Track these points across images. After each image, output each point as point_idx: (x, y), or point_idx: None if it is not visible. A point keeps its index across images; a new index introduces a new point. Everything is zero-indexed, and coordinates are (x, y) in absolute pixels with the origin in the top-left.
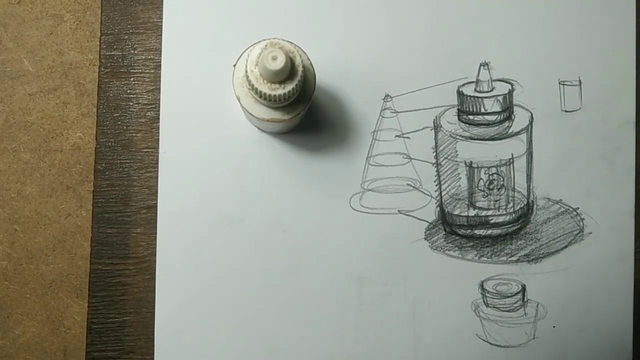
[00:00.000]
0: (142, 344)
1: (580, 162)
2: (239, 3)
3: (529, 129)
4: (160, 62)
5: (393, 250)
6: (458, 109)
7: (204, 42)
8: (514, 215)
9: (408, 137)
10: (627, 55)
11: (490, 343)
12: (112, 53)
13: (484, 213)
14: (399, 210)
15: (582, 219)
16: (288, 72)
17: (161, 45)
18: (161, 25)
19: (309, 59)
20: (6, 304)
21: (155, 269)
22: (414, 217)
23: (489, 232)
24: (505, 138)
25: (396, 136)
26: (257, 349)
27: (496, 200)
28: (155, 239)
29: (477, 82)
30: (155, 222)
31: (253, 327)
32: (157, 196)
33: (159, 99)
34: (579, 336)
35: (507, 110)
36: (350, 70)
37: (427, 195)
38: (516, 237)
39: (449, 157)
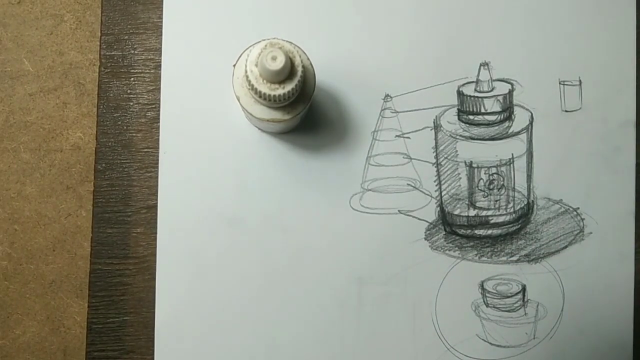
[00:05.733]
0: (142, 344)
1: (581, 162)
2: (239, 3)
3: (529, 128)
4: (160, 62)
5: (393, 250)
6: (458, 109)
7: (204, 42)
8: (514, 215)
9: (408, 137)
10: (627, 55)
11: (490, 343)
12: (112, 53)
13: (484, 213)
14: (399, 210)
15: (583, 219)
16: (288, 72)
17: (161, 45)
18: (161, 25)
19: (308, 59)
20: (6, 304)
21: (155, 269)
22: (414, 217)
23: (489, 232)
24: (505, 138)
25: (396, 136)
26: (257, 349)
27: (496, 200)
28: (155, 239)
29: (477, 82)
30: (155, 222)
31: (253, 327)
32: (157, 196)
33: (159, 99)
34: (579, 336)
35: (507, 110)
36: (350, 70)
37: (427, 195)
38: (516, 237)
39: (449, 157)
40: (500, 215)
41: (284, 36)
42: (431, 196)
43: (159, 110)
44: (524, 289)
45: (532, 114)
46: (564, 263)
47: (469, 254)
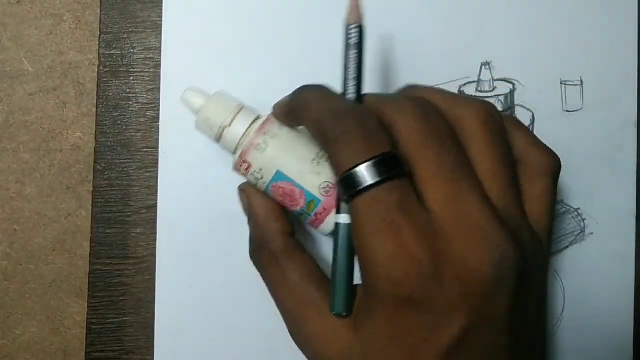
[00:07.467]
0: (142, 344)
1: (582, 162)
2: (239, 2)
3: (530, 129)
4: (159, 61)
5: None
6: None
7: (204, 41)
8: None
9: None
10: (629, 54)
11: None
12: (112, 52)
13: None
14: None
15: (583, 220)
16: None
17: (161, 44)
18: (161, 24)
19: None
20: (6, 304)
21: (155, 269)
22: None
23: None
24: None
25: None
26: (257, 349)
27: None
28: (155, 239)
29: (479, 81)
30: (155, 222)
31: (253, 327)
32: (157, 196)
33: (159, 99)
34: (579, 336)
35: (509, 110)
36: None
37: None
38: None
39: None
40: None
41: (284, 35)
42: None
43: (158, 110)
44: None
45: (533, 114)
46: (564, 263)
47: None
